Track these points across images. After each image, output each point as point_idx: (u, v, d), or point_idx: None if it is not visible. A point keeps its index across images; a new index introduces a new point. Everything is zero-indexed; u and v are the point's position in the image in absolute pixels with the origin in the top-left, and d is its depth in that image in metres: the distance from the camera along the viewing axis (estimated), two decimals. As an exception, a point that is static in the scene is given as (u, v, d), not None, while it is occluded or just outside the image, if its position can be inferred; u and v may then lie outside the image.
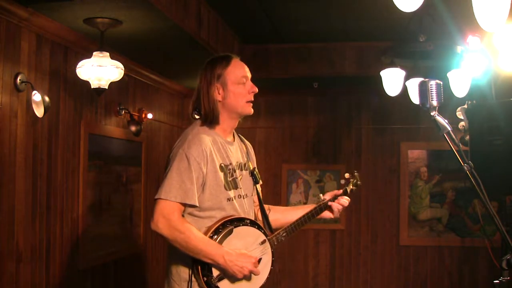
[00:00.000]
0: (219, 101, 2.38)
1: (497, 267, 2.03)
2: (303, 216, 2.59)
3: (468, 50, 3.74)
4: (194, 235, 2.24)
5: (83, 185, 3.87)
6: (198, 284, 2.30)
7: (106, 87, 3.43)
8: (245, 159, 2.52)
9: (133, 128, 4.57)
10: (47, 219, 3.47)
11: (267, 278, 2.45)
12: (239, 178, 2.43)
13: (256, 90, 2.43)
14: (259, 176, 2.57)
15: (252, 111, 2.43)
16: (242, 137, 2.63)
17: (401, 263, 5.84)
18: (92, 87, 3.41)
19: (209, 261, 2.24)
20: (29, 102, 3.23)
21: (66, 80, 3.68)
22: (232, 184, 2.38)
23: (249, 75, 2.44)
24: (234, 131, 2.53)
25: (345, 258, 5.92)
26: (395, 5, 2.56)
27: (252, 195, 2.55)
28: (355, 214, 5.89)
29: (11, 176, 3.12)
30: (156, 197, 2.26)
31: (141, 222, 4.85)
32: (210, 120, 2.37)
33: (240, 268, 2.26)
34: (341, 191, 2.71)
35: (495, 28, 2.48)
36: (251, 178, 2.53)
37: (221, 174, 2.33)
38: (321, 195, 2.68)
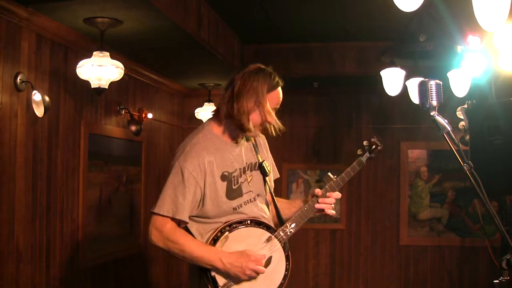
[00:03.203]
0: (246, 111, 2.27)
1: (497, 267, 2.03)
2: (308, 203, 2.44)
3: (468, 50, 3.74)
4: (188, 243, 2.23)
5: (83, 185, 3.87)
6: None
7: (106, 87, 3.43)
8: (254, 157, 2.44)
9: (133, 128, 4.57)
10: (47, 219, 3.47)
11: (286, 275, 2.41)
12: (248, 180, 2.37)
13: (273, 122, 2.35)
14: (268, 168, 2.46)
15: (258, 134, 2.44)
16: None
17: (401, 263, 5.84)
18: (92, 87, 3.41)
19: (208, 266, 2.22)
20: (29, 102, 3.23)
21: (66, 80, 3.68)
22: (238, 192, 2.33)
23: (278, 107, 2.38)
24: None
25: (345, 258, 5.92)
26: (395, 5, 2.56)
27: (266, 193, 2.47)
28: (355, 214, 5.89)
29: (11, 176, 3.12)
30: (151, 210, 2.28)
31: (141, 222, 4.85)
32: (236, 123, 2.28)
33: (240, 268, 2.21)
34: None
35: (495, 28, 2.48)
36: (260, 175, 2.43)
37: (223, 184, 2.29)
38: (329, 173, 2.45)
